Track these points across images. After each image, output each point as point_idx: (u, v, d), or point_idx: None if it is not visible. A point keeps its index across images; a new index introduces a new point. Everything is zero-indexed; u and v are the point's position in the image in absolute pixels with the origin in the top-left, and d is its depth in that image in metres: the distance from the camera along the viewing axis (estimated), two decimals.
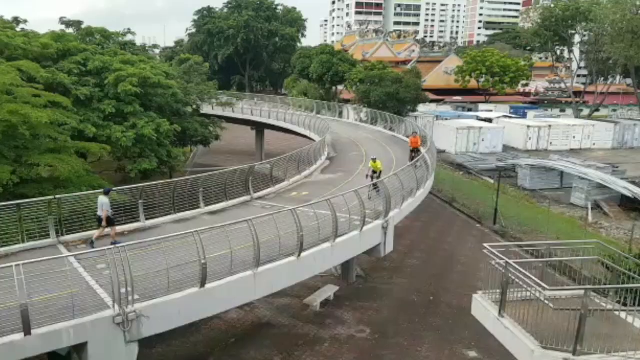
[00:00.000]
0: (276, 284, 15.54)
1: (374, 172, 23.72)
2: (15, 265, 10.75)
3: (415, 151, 28.09)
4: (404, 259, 27.85)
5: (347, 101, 64.93)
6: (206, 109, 47.79)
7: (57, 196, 16.90)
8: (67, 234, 16.76)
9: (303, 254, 15.55)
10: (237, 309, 20.34)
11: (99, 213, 16.56)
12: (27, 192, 20.11)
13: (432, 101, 70.91)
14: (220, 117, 47.60)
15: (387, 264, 26.74)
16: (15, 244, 15.76)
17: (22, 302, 10.56)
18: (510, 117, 64.60)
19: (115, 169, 32.01)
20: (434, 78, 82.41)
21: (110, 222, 16.65)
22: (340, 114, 53.07)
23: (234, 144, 61.95)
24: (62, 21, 43.94)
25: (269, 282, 14.93)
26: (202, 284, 12.97)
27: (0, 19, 38.80)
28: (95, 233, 16.56)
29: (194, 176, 21.51)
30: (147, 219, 18.74)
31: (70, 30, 42.34)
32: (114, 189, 18.74)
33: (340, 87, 74.33)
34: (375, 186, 21.12)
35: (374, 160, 23.79)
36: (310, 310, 21.67)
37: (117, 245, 11.82)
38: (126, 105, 29.83)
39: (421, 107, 63.48)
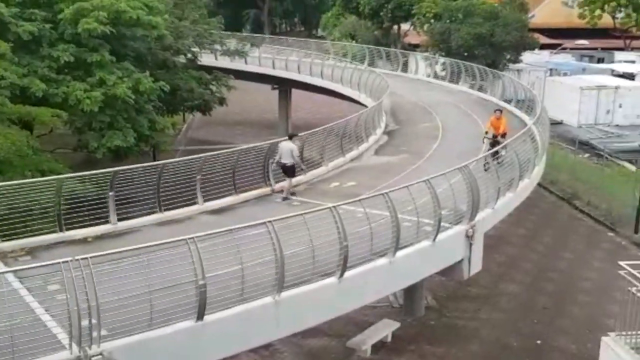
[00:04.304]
0: (307, 318, 15.58)
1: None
2: None
3: (496, 143, 25.37)
4: (497, 284, 27.88)
5: (415, 47, 64.37)
6: (207, 58, 48.07)
7: None
8: (4, 241, 17.04)
9: (347, 274, 15.53)
10: (250, 353, 20.42)
11: (285, 161, 21.57)
12: None
13: (543, 47, 69.71)
14: (227, 72, 47.77)
15: (472, 290, 26.83)
16: None
17: None
18: None
19: (75, 146, 32.57)
20: (546, 12, 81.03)
21: (293, 172, 21.81)
22: (405, 67, 52.74)
23: (247, 111, 62.32)
24: None
25: (296, 314, 14.98)
26: (200, 316, 13.11)
27: None
28: (283, 186, 21.93)
29: (188, 157, 21.64)
30: (119, 220, 18.97)
31: None
32: (70, 175, 19.06)
33: (405, 27, 73.62)
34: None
35: None
36: (358, 357, 21.76)
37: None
38: (90, 53, 30.26)
39: (527, 56, 62.41)
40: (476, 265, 19.79)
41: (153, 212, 19.77)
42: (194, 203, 20.52)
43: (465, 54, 52.85)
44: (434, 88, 45.32)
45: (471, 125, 33.26)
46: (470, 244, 19.21)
